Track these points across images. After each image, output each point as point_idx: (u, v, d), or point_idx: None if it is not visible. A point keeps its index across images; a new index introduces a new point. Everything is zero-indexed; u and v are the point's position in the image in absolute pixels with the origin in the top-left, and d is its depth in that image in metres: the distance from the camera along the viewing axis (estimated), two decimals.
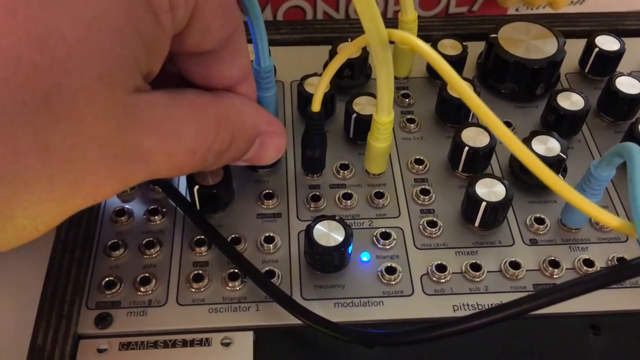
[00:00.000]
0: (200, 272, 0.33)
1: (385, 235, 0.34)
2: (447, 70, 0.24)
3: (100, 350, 0.30)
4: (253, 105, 0.29)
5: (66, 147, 0.19)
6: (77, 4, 0.18)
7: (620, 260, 0.34)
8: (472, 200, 0.33)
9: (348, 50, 0.31)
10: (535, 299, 0.24)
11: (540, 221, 0.35)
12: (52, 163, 0.19)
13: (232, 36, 0.25)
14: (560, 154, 0.35)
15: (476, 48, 0.44)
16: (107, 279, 0.32)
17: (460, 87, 0.23)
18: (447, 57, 0.36)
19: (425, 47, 0.25)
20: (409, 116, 0.41)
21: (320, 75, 0.39)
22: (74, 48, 0.18)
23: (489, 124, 0.22)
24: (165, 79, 0.25)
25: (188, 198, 0.35)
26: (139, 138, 0.22)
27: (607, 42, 0.42)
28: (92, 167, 0.21)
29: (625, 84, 0.39)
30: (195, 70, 0.26)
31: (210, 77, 0.27)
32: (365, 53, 0.41)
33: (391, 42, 0.28)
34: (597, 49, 0.42)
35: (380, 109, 0.32)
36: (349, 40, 0.41)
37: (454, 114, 0.39)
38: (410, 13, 0.39)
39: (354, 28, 0.46)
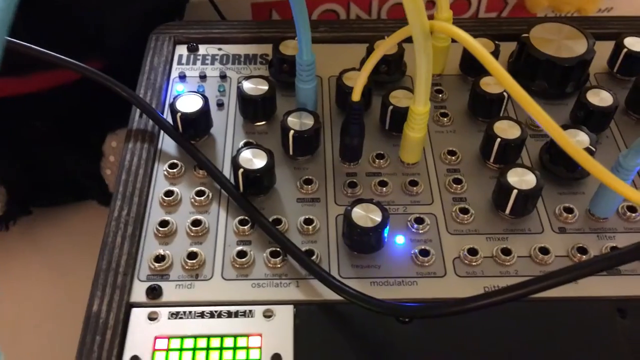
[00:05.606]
0: (244, 249, 0.35)
1: (419, 220, 0.36)
2: (485, 57, 0.25)
3: (151, 319, 0.32)
4: None
5: None
6: None
7: None
8: (503, 188, 0.35)
9: (388, 42, 0.33)
10: (565, 273, 0.26)
11: (569, 210, 0.37)
12: None
13: None
14: (590, 146, 0.37)
15: (507, 48, 0.45)
16: (157, 254, 0.35)
17: (497, 71, 0.25)
18: None
19: (465, 36, 0.27)
20: (442, 110, 0.42)
21: (358, 70, 0.41)
22: None
23: (518, 99, 0.24)
24: None
25: (232, 181, 0.37)
26: None
27: (635, 43, 0.43)
28: None
29: None
30: None
31: None
32: (400, 50, 0.43)
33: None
34: (625, 50, 0.43)
35: (418, 98, 0.34)
36: (385, 38, 0.43)
37: (486, 108, 0.41)
38: (445, 11, 0.40)
39: (389, 28, 0.48)
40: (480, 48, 0.26)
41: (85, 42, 0.48)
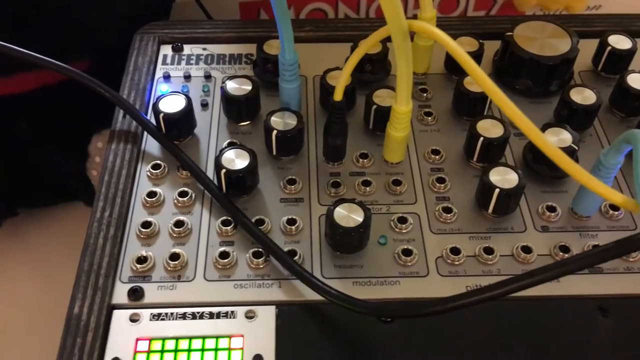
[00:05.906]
0: (227, 250, 0.35)
1: (402, 220, 0.36)
2: (462, 56, 0.25)
3: (132, 320, 0.32)
4: None
5: None
6: None
7: None
8: (486, 187, 0.35)
9: (369, 42, 0.33)
10: (546, 271, 0.26)
11: (551, 209, 0.37)
12: None
13: None
14: (572, 145, 0.37)
15: (492, 47, 0.45)
16: (139, 255, 0.34)
17: (475, 72, 0.25)
18: None
19: (443, 36, 0.27)
20: (426, 109, 0.42)
21: (342, 69, 0.41)
22: None
23: (497, 101, 0.24)
24: None
25: (215, 181, 0.37)
26: None
27: (619, 41, 0.43)
28: None
29: (637, 81, 0.41)
30: None
31: None
32: (385, 49, 0.43)
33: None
34: (609, 48, 0.43)
35: (400, 98, 0.34)
36: None
37: (470, 107, 0.41)
38: (428, 10, 0.40)
39: (374, 27, 0.47)
40: (458, 48, 0.26)
41: (72, 42, 0.48)
